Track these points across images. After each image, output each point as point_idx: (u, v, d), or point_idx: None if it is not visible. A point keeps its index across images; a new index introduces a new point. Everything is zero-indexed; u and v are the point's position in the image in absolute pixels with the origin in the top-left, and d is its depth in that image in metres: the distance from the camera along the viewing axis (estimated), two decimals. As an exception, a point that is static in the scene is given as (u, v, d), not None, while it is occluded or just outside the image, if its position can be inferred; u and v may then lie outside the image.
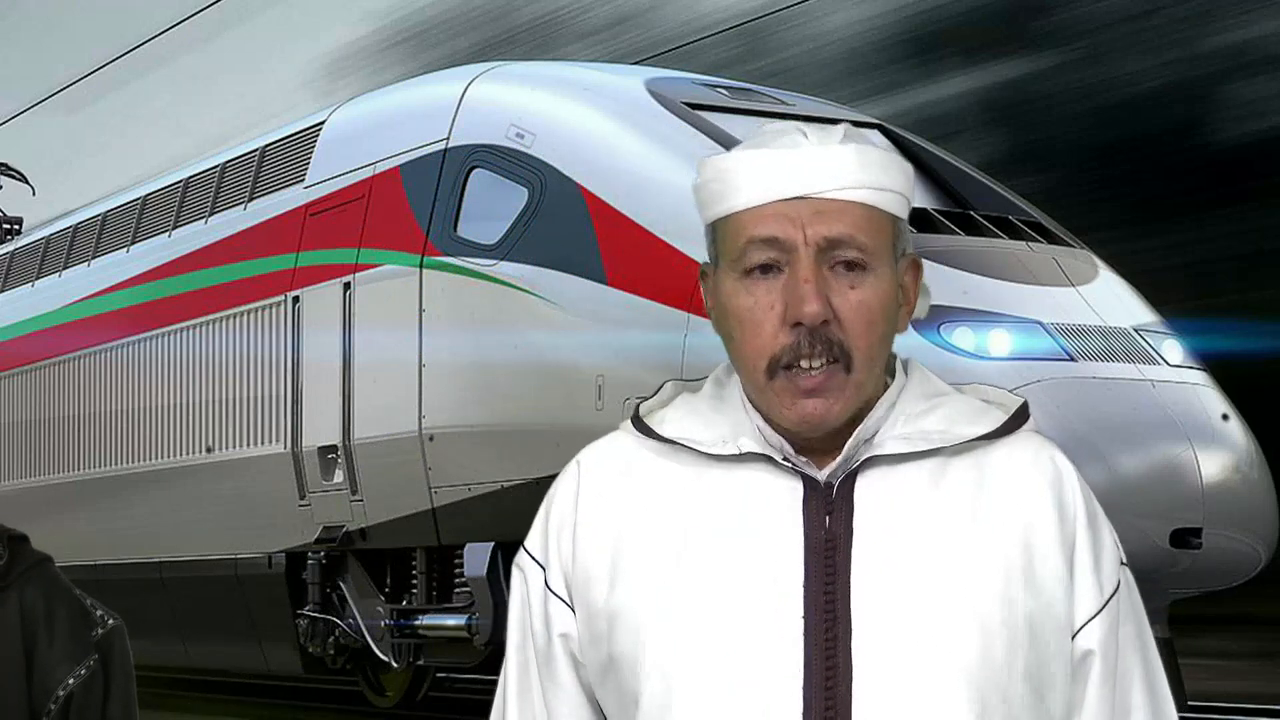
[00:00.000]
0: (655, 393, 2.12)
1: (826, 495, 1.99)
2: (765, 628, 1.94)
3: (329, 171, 13.38)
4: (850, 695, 1.92)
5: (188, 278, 14.90)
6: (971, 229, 10.61)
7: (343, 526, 12.63)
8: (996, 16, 25.66)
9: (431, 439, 11.72)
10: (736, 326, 2.01)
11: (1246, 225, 21.61)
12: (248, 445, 13.75)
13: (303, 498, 12.97)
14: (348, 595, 12.96)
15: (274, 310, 13.56)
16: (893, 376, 2.07)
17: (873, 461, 2.01)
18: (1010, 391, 2.14)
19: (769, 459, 2.01)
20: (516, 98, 11.99)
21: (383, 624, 12.62)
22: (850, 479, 2.00)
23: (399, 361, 12.00)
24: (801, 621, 1.94)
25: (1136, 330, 10.17)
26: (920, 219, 10.46)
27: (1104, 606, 2.03)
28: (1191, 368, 10.18)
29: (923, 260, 2.16)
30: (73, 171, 58.28)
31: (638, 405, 2.11)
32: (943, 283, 9.84)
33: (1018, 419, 2.07)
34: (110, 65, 24.68)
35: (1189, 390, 9.86)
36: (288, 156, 14.10)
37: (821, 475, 2.00)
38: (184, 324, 14.77)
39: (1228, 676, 15.19)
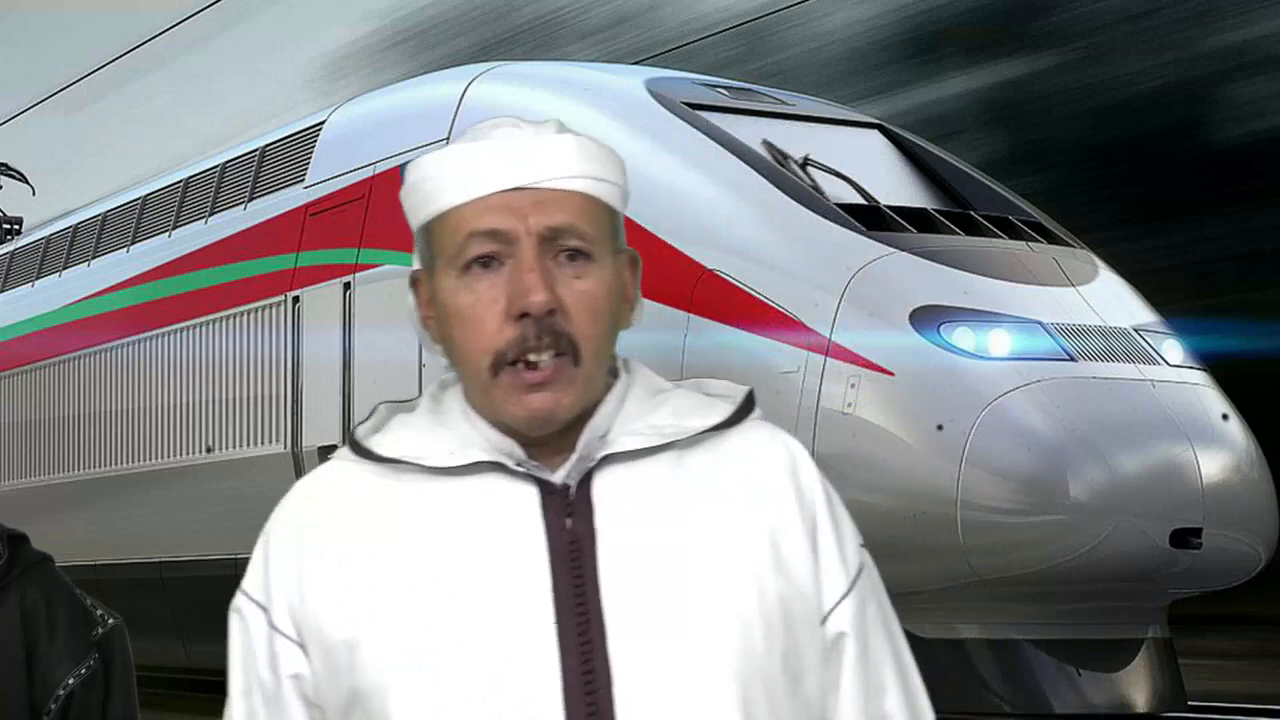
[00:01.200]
0: (369, 416, 2.07)
1: (564, 497, 1.95)
2: (517, 638, 1.89)
3: (329, 171, 13.38)
4: (611, 698, 1.88)
5: (188, 278, 14.90)
6: (971, 229, 10.60)
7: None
8: (996, 16, 25.66)
9: (431, 439, 11.72)
10: (458, 326, 1.96)
11: (1246, 225, 21.61)
12: (248, 445, 13.75)
13: (303, 498, 12.96)
14: (348, 595, 12.96)
15: (274, 310, 13.56)
16: (614, 375, 2.03)
17: (608, 459, 1.97)
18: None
19: (500, 466, 1.96)
20: (516, 98, 11.99)
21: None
22: (587, 479, 1.96)
23: (399, 362, 12.00)
24: (554, 627, 1.89)
25: (1136, 330, 10.17)
26: (920, 219, 10.47)
27: (851, 588, 2.01)
28: (1191, 368, 10.17)
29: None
30: (73, 171, 58.28)
31: (354, 430, 2.06)
32: (943, 283, 9.84)
33: (745, 408, 2.04)
34: (110, 65, 24.69)
35: (1189, 390, 9.86)
36: (288, 156, 14.10)
37: (557, 477, 1.95)
38: (184, 324, 14.77)
39: (1228, 676, 15.19)
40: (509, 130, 2.00)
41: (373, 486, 2.00)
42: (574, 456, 1.96)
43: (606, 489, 1.96)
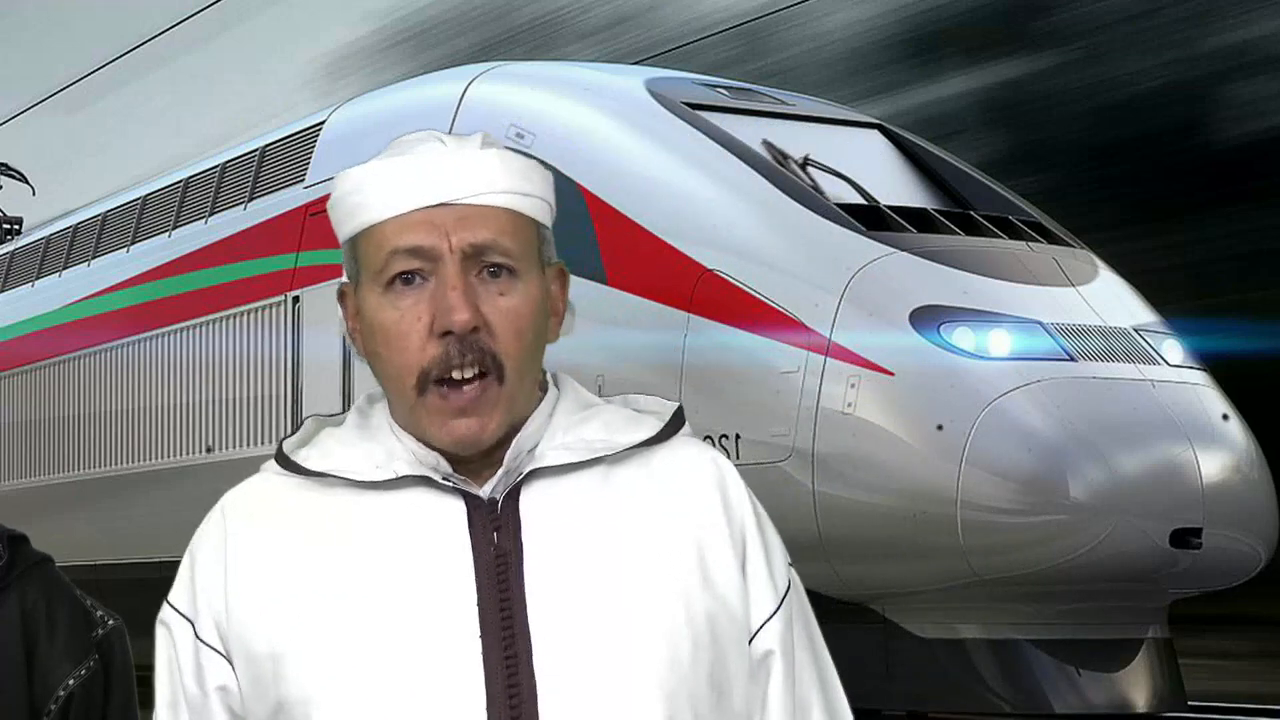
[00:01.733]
0: (296, 430, 2.06)
1: (491, 511, 1.93)
2: (442, 654, 1.88)
3: (329, 171, 13.37)
4: (536, 712, 1.87)
5: (188, 278, 14.89)
6: (971, 229, 10.60)
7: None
8: (996, 16, 25.66)
9: (431, 439, 11.73)
10: (382, 342, 1.94)
11: (1246, 225, 21.61)
12: (248, 445, 13.75)
13: (303, 498, 12.97)
14: (348, 595, 12.96)
15: (274, 310, 13.56)
16: (543, 389, 2.03)
17: (536, 474, 1.96)
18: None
19: (428, 480, 1.94)
20: (516, 98, 11.99)
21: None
22: (514, 493, 1.95)
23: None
24: (479, 642, 1.88)
25: (1136, 330, 10.17)
26: (920, 219, 10.47)
27: (779, 606, 2.00)
28: (1191, 368, 10.17)
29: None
30: (73, 171, 58.29)
31: (280, 443, 2.05)
32: (943, 283, 9.84)
33: (674, 424, 2.04)
34: (110, 65, 24.68)
35: (1189, 390, 9.86)
36: (288, 156, 14.10)
37: (484, 491, 1.94)
38: (184, 324, 14.76)
39: (1228, 676, 15.19)
40: (432, 145, 1.99)
41: (299, 500, 1.99)
42: (501, 471, 1.95)
43: (534, 504, 1.95)
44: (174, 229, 15.42)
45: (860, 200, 10.50)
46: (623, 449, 1.99)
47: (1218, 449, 9.59)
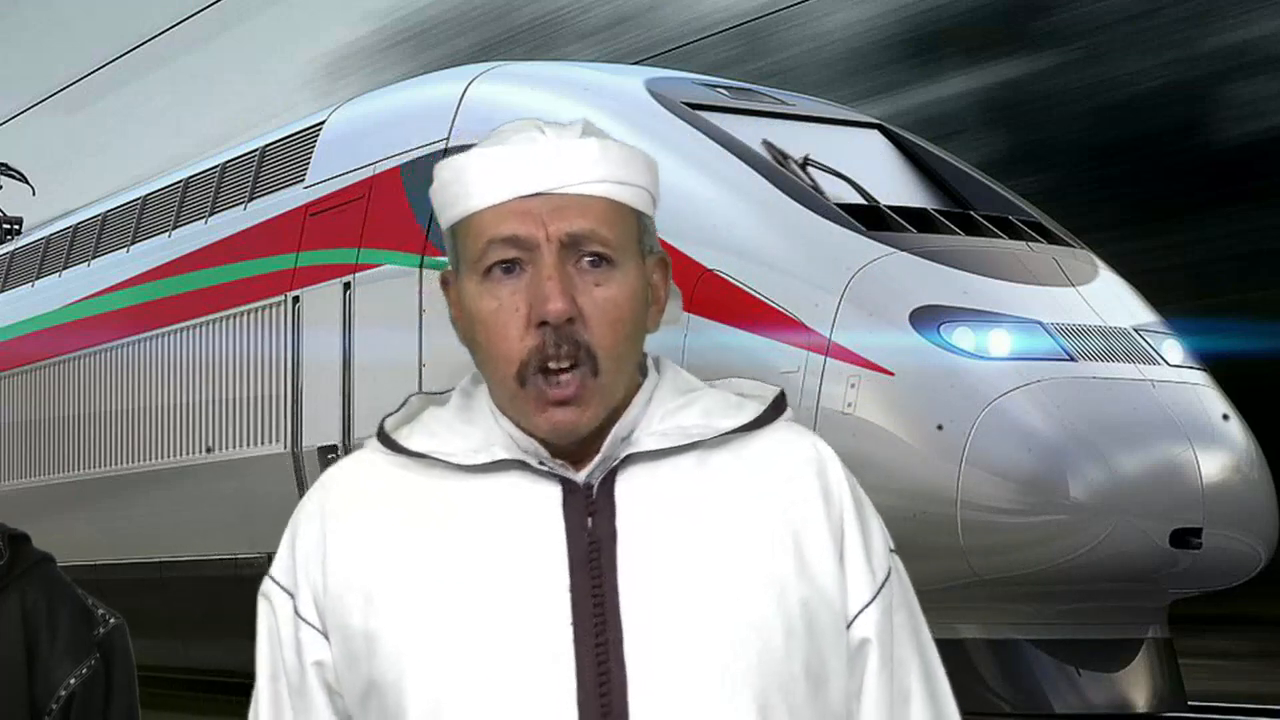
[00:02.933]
0: (400, 408, 2.06)
1: (586, 497, 1.94)
2: (533, 638, 1.89)
3: (329, 171, 13.38)
4: (626, 701, 1.86)
5: (188, 278, 14.90)
6: (971, 229, 10.61)
7: (343, 526, 12.62)
8: (996, 16, 25.66)
9: (432, 439, 11.72)
10: (481, 331, 1.95)
11: (1246, 225, 21.60)
12: (248, 445, 13.75)
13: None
14: (348, 595, 12.95)
15: (274, 310, 13.56)
16: (644, 374, 2.03)
17: (632, 459, 1.96)
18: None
19: (524, 465, 1.95)
20: (516, 98, 11.99)
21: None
22: (610, 479, 1.95)
23: (399, 361, 12.00)
24: (570, 629, 1.88)
25: (1136, 330, 10.17)
26: (920, 219, 10.47)
27: (877, 594, 1.98)
28: (1191, 368, 10.18)
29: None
30: (73, 171, 58.27)
31: (383, 421, 2.05)
32: (943, 283, 9.84)
33: (775, 409, 2.03)
34: (110, 65, 24.68)
35: (1189, 390, 9.86)
36: (288, 156, 14.10)
37: (579, 477, 1.94)
38: (184, 324, 14.77)
39: (1228, 676, 15.18)
40: (531, 134, 1.98)
41: (397, 479, 2.00)
42: (598, 457, 1.95)
43: (629, 490, 1.95)
44: (174, 229, 15.42)
45: (860, 200, 10.50)
46: (720, 434, 1.98)
47: (1218, 449, 9.59)
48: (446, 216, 2.01)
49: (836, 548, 1.97)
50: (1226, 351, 13.86)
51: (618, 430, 1.96)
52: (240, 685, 19.01)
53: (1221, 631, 16.60)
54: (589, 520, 1.93)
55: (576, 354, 1.92)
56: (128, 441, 15.49)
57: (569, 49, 31.26)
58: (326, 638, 1.98)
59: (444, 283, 2.03)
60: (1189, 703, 10.23)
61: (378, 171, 12.78)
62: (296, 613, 2.00)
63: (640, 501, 1.94)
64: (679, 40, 23.77)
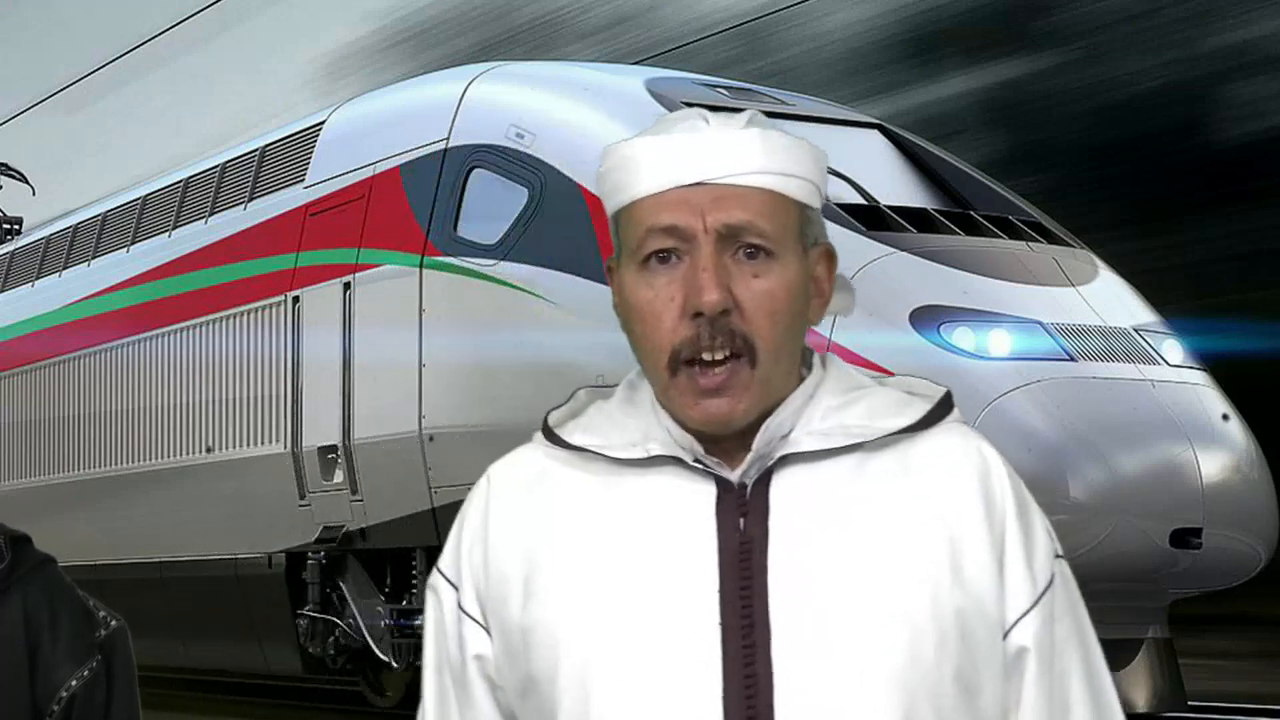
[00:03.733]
0: (567, 400, 2.06)
1: (740, 496, 1.92)
2: (681, 637, 1.87)
3: (329, 171, 13.38)
4: (771, 703, 1.85)
5: (188, 278, 14.90)
6: (971, 229, 10.61)
7: (343, 526, 12.63)
8: (996, 16, 25.66)
9: (431, 439, 11.72)
10: (637, 320, 1.95)
11: (1246, 225, 21.60)
12: (248, 445, 13.75)
13: (303, 498, 12.97)
14: (348, 595, 12.95)
15: (274, 310, 13.56)
16: (809, 370, 1.99)
17: (788, 459, 1.93)
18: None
19: (680, 461, 1.93)
20: (516, 98, 11.99)
21: (383, 624, 12.62)
22: (765, 478, 1.92)
23: (399, 361, 12.00)
24: (718, 629, 1.87)
25: (1136, 330, 10.18)
26: (920, 219, 10.48)
27: (1037, 601, 1.95)
28: (1191, 368, 10.18)
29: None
30: (73, 171, 58.29)
31: (547, 415, 2.04)
32: (943, 283, 9.85)
33: (942, 409, 2.00)
34: (110, 65, 24.68)
35: (1189, 390, 9.86)
36: (288, 156, 14.10)
37: (734, 476, 1.92)
38: (184, 324, 14.77)
39: (1228, 676, 15.18)
40: (694, 123, 1.96)
41: (558, 473, 1.99)
42: (752, 455, 1.93)
43: (783, 489, 1.92)
44: (174, 229, 15.42)
45: (860, 200, 10.50)
46: (882, 435, 1.95)
47: (1218, 449, 9.59)
48: (609, 204, 2.01)
49: (996, 555, 1.94)
50: (1226, 351, 13.86)
51: (773, 427, 1.93)
52: (240, 685, 19.07)
53: (1221, 631, 16.60)
54: (741, 520, 1.91)
55: (732, 344, 1.90)
56: (128, 441, 15.49)
57: (569, 49, 31.26)
58: (488, 631, 1.99)
59: (608, 270, 2.03)
60: (1189, 703, 10.23)
61: (378, 171, 12.78)
62: (460, 606, 2.01)
63: (794, 503, 1.92)
64: (679, 40, 23.78)
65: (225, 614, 14.02)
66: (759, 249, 1.92)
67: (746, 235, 1.92)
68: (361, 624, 12.79)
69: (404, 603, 12.54)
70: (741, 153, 1.93)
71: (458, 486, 11.53)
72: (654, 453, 1.94)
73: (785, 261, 1.93)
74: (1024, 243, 10.62)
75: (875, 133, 11.99)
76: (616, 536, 1.93)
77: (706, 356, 1.90)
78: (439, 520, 11.77)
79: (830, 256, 2.01)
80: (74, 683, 2.59)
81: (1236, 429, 9.82)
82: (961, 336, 9.56)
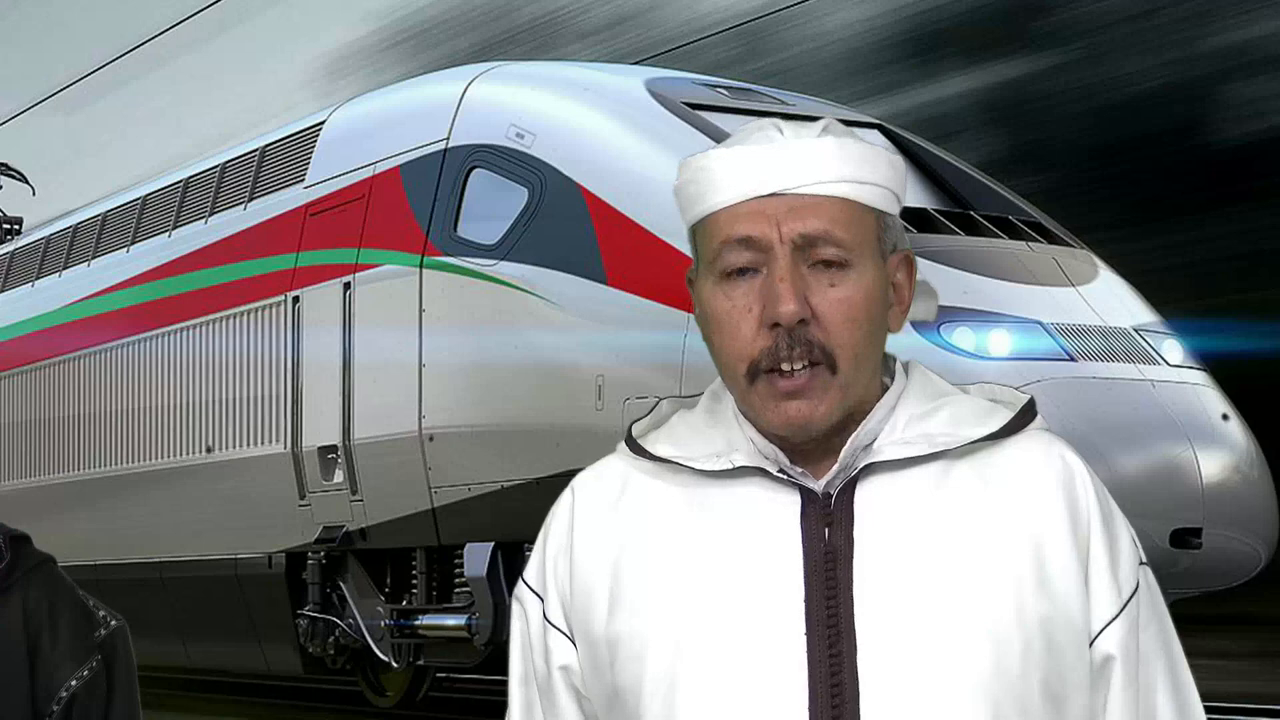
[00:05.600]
0: (649, 412, 2.05)
1: (825, 506, 1.92)
2: (767, 647, 1.88)
3: (329, 171, 13.38)
4: (858, 713, 1.86)
5: (188, 278, 14.90)
6: (971, 229, 10.61)
7: (343, 526, 12.63)
8: (996, 16, 25.67)
9: (431, 439, 11.72)
10: (715, 331, 1.94)
11: (1246, 225, 21.61)
12: (247, 445, 13.75)
13: (303, 498, 12.97)
14: (348, 595, 12.96)
15: (274, 310, 13.56)
16: (892, 378, 1.99)
17: (872, 468, 1.93)
18: (1017, 390, 2.08)
19: (764, 472, 1.93)
20: (516, 98, 11.99)
21: (383, 624, 12.63)
22: (849, 488, 1.92)
23: (399, 361, 12.01)
24: (804, 639, 1.87)
25: (1136, 330, 10.18)
26: (920, 219, 10.47)
27: (1123, 609, 1.95)
28: (1191, 368, 10.18)
29: (917, 258, 2.08)
30: (73, 171, 58.30)
31: (630, 426, 2.04)
32: (943, 283, 9.84)
33: (1025, 417, 1.99)
34: (110, 65, 24.68)
35: (1189, 390, 9.86)
36: (288, 156, 14.10)
37: (819, 485, 1.92)
38: (184, 324, 14.77)
39: (1228, 676, 15.18)
40: (769, 133, 1.96)
41: (642, 485, 1.99)
42: (836, 465, 1.93)
43: (868, 499, 1.92)
44: (174, 229, 15.42)
45: (860, 200, 10.49)
46: (965, 443, 1.94)
47: (1218, 449, 9.59)
48: (687, 216, 2.01)
49: (1081, 564, 1.94)
50: (1226, 351, 13.86)
51: (858, 436, 1.93)
52: (240, 685, 19.10)
53: (1221, 631, 16.60)
54: (826, 530, 1.91)
55: (810, 354, 1.90)
56: (128, 441, 15.49)
57: (569, 49, 31.27)
58: (573, 642, 1.99)
59: (688, 281, 2.03)
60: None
61: (378, 171, 12.78)
62: (545, 617, 2.01)
63: (879, 512, 1.91)
64: (679, 40, 23.78)
65: (225, 614, 14.02)
66: (834, 259, 1.92)
67: (823, 245, 1.91)
68: (361, 624, 12.79)
69: (404, 603, 12.55)
70: (816, 161, 1.93)
71: (457, 486, 11.54)
72: (738, 464, 1.94)
73: (862, 269, 1.93)
74: (1024, 243, 10.62)
75: (875, 133, 11.98)
76: (701, 547, 1.93)
77: (785, 367, 1.90)
78: (438, 520, 11.78)
79: (910, 263, 2.01)
80: (74, 682, 2.59)
81: (1236, 429, 9.82)
82: (962, 336, 9.56)
